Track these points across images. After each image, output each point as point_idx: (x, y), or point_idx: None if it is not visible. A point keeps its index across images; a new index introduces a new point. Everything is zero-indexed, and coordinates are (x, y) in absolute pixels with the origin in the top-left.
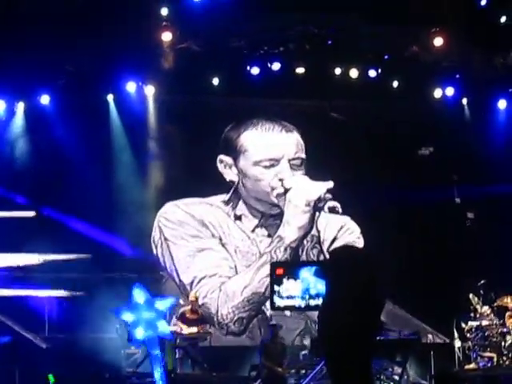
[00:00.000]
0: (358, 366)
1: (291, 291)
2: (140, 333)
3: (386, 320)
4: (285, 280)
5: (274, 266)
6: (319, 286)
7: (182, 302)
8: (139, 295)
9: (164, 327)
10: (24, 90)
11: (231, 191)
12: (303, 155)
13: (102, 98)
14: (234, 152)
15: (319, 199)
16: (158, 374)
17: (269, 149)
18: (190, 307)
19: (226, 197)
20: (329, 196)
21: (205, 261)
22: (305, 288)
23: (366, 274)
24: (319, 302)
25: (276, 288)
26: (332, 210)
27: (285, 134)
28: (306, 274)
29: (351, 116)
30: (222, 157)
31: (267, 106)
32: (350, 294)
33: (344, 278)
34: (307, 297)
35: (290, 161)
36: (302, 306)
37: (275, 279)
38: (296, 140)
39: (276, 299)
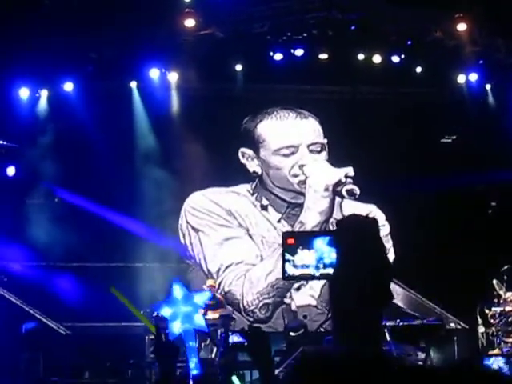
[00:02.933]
0: (368, 327)
1: (305, 261)
2: (177, 326)
3: (408, 307)
4: (299, 250)
5: (285, 235)
6: (333, 255)
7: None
8: (178, 291)
9: (200, 320)
10: (47, 78)
11: (256, 182)
12: (322, 140)
13: (126, 84)
14: (254, 144)
15: (338, 183)
16: (193, 364)
17: (286, 136)
18: (212, 295)
19: (251, 186)
20: (349, 180)
21: (232, 249)
22: (319, 257)
23: (374, 241)
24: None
25: (289, 257)
26: (350, 193)
27: (300, 121)
28: (320, 243)
29: (374, 102)
30: (243, 149)
31: (290, 92)
32: (360, 260)
33: (353, 245)
34: (321, 266)
35: (308, 146)
36: (317, 274)
37: (287, 249)
38: (312, 125)
39: (289, 268)
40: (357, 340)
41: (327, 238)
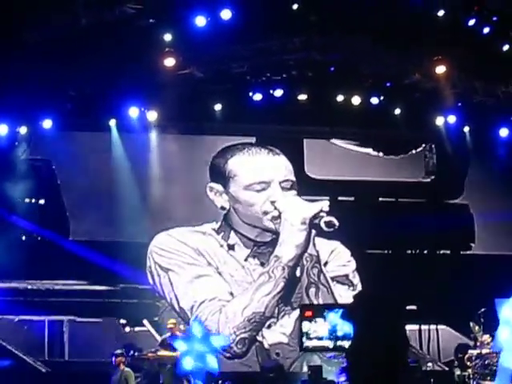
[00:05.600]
0: None
1: (319, 332)
2: (188, 362)
3: None
4: (313, 322)
5: (303, 308)
6: (346, 328)
7: (182, 327)
8: (197, 329)
9: (213, 362)
10: (26, 115)
11: (221, 219)
12: (293, 178)
13: (105, 122)
14: (223, 178)
15: (315, 216)
16: None
17: (258, 172)
18: (169, 333)
19: (216, 225)
20: (324, 213)
21: (203, 286)
22: (331, 329)
23: (388, 316)
24: (346, 343)
25: (306, 330)
26: (328, 225)
27: (272, 157)
28: (332, 316)
29: (353, 142)
30: (211, 184)
31: (269, 131)
32: (376, 335)
33: (366, 320)
34: (335, 338)
35: (280, 183)
36: (330, 346)
37: (305, 321)
38: (284, 162)
39: (305, 340)
40: None
41: (340, 311)
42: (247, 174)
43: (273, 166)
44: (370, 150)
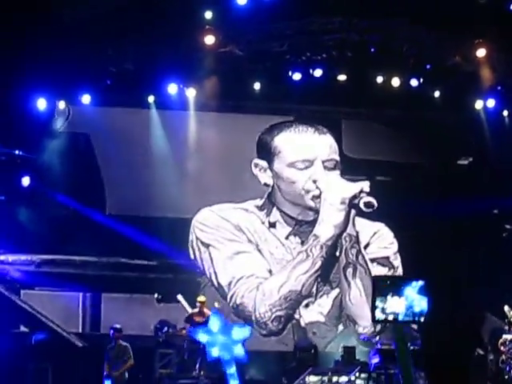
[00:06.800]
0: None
1: (395, 308)
2: (215, 352)
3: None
4: (389, 297)
5: (377, 279)
6: (423, 304)
7: (216, 304)
8: (214, 323)
9: (240, 350)
10: (65, 89)
11: (265, 196)
12: (337, 157)
13: (144, 99)
14: (269, 155)
15: (354, 197)
16: None
17: (302, 150)
18: (197, 310)
19: (259, 202)
20: (364, 194)
21: (242, 263)
22: (408, 305)
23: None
24: (422, 318)
25: (379, 304)
26: (368, 205)
27: (318, 136)
28: (410, 291)
29: (392, 125)
30: (256, 160)
31: (307, 111)
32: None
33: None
34: (410, 314)
35: (323, 162)
36: (405, 320)
37: (378, 294)
38: (329, 142)
39: (378, 314)
40: None
41: (418, 286)
42: (291, 151)
43: (317, 144)
44: (408, 132)
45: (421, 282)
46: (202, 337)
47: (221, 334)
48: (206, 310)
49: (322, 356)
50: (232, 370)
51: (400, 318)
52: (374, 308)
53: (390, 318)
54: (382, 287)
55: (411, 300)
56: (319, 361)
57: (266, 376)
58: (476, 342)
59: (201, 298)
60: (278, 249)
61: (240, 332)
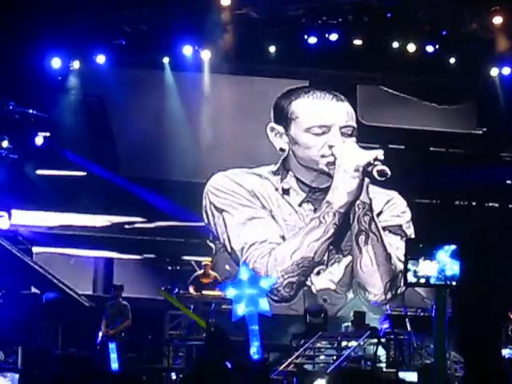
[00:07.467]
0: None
1: (426, 271)
2: (241, 309)
3: (430, 297)
4: (421, 260)
5: (408, 243)
6: (455, 268)
7: (227, 267)
8: (244, 272)
9: (265, 304)
10: (80, 49)
11: (280, 160)
12: (354, 124)
13: (159, 60)
14: (285, 120)
15: (368, 164)
16: (254, 348)
17: (320, 115)
18: (202, 271)
19: (274, 167)
20: (378, 162)
21: (255, 228)
22: (440, 269)
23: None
24: (454, 282)
25: (411, 267)
26: (381, 174)
27: (335, 103)
28: (443, 255)
29: (406, 91)
30: (272, 125)
31: (322, 75)
32: (484, 276)
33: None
34: (443, 277)
35: (340, 128)
36: (437, 283)
37: (411, 257)
38: (347, 108)
39: (410, 277)
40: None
41: (450, 250)
42: (309, 117)
43: (335, 110)
44: (422, 99)
45: (453, 246)
46: (231, 291)
47: (249, 284)
48: (211, 272)
49: (332, 321)
50: (255, 326)
51: (432, 281)
52: (406, 271)
53: (422, 281)
54: (415, 250)
55: (443, 264)
56: (329, 326)
57: (275, 340)
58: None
59: (206, 260)
60: (292, 215)
61: (267, 281)
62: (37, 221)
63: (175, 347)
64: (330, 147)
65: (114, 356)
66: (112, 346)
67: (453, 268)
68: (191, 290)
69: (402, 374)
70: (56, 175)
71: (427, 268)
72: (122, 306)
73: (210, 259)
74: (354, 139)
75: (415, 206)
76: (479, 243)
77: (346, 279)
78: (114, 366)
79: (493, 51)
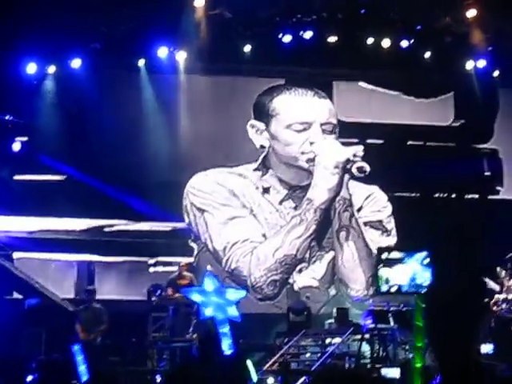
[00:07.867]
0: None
1: (397, 280)
2: (209, 312)
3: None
4: (392, 268)
5: (381, 251)
6: (426, 275)
7: (209, 267)
8: (209, 284)
9: (233, 311)
10: (55, 54)
11: (261, 158)
12: (335, 121)
13: (134, 62)
14: (266, 116)
15: (348, 161)
16: (226, 346)
17: (301, 112)
18: (177, 273)
19: (254, 165)
20: (358, 158)
21: (237, 227)
22: (412, 277)
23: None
24: (424, 289)
25: (382, 274)
26: (360, 170)
27: (317, 100)
28: (414, 262)
29: (382, 86)
30: (253, 122)
31: (298, 73)
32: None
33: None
34: (414, 285)
35: (321, 125)
36: (409, 291)
37: (382, 265)
38: (328, 105)
39: (383, 285)
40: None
41: (421, 257)
42: (290, 113)
43: (316, 107)
44: (399, 93)
45: (424, 253)
46: (196, 297)
47: (215, 294)
48: (186, 273)
49: (315, 319)
50: (225, 329)
51: (404, 289)
52: (377, 279)
53: (394, 289)
54: (386, 258)
55: (414, 271)
56: (312, 323)
57: (258, 338)
58: None
59: (182, 262)
60: (272, 214)
61: (235, 294)
62: (16, 226)
63: (159, 349)
64: (311, 144)
65: (80, 358)
66: (76, 347)
67: (424, 275)
68: (169, 292)
69: (384, 371)
70: (34, 180)
71: (399, 276)
72: (97, 311)
73: (185, 261)
74: (334, 136)
75: (395, 199)
76: (459, 238)
77: (328, 276)
78: (81, 368)
79: (467, 44)
